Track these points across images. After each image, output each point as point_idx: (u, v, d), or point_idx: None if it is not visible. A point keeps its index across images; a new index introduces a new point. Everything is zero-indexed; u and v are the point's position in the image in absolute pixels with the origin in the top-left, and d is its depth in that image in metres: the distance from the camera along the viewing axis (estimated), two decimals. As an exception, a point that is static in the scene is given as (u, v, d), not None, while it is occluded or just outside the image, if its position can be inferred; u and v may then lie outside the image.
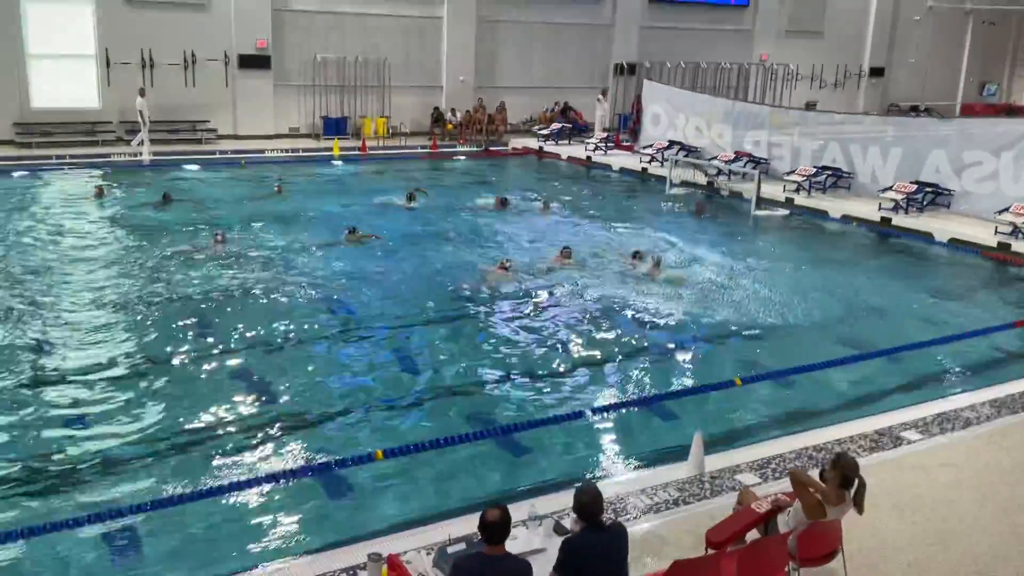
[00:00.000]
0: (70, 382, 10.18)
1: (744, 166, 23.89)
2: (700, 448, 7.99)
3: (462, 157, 28.64)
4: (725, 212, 21.85)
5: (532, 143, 30.04)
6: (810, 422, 9.62)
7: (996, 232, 18.28)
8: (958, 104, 36.15)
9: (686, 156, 25.50)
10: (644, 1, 34.40)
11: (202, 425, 9.21)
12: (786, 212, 21.65)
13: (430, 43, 30.96)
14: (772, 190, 22.46)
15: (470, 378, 10.74)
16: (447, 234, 17.95)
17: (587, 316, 13.11)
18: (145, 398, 9.81)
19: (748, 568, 5.71)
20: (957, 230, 18.90)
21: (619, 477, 8.34)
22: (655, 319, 13.15)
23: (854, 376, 11.01)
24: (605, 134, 29.48)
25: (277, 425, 9.23)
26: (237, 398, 9.92)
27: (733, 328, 12.91)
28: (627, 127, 32.13)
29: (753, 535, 6.27)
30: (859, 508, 6.09)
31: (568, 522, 6.02)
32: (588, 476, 8.33)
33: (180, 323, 12.22)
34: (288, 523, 7.52)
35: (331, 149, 27.03)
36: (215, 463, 8.42)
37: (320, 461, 8.35)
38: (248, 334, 11.83)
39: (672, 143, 26.73)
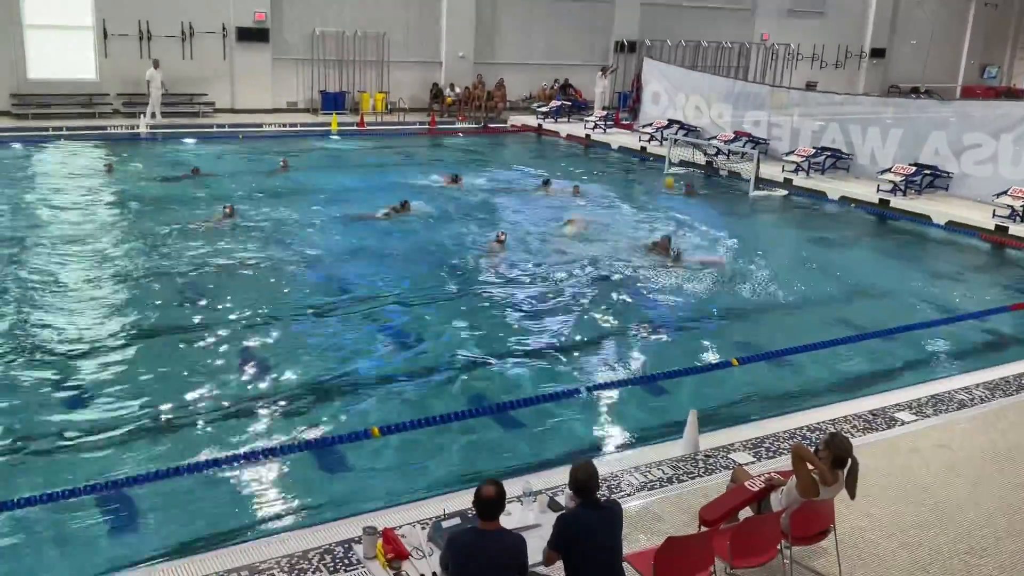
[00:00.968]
0: (73, 354, 10.20)
1: (743, 146, 23.83)
2: (695, 426, 8.02)
3: (460, 134, 28.53)
4: (723, 192, 21.81)
5: (531, 120, 29.93)
6: (804, 402, 9.66)
7: (994, 215, 18.27)
8: (959, 86, 36.05)
9: (685, 135, 25.44)
10: (645, -22, 34.20)
11: (200, 398, 9.22)
12: (784, 193, 21.62)
13: (429, 18, 30.73)
14: (771, 171, 22.42)
15: (466, 355, 10.75)
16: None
17: (585, 294, 13.11)
18: (144, 370, 9.83)
19: (741, 545, 5.76)
20: (955, 213, 18.89)
21: (614, 454, 8.38)
22: (653, 298, 13.17)
23: (849, 357, 11.05)
24: (604, 112, 29.37)
25: (275, 400, 9.26)
26: (236, 372, 9.95)
27: (729, 307, 12.94)
28: (627, 105, 32.00)
29: (746, 513, 6.32)
30: (851, 492, 6.10)
31: (563, 499, 6.06)
32: (583, 453, 8.36)
33: (182, 296, 12.29)
34: (285, 497, 7.57)
35: (329, 124, 26.91)
36: (212, 436, 8.45)
37: (317, 437, 8.40)
38: (249, 308, 11.84)
39: (672, 122, 26.64)
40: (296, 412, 9.05)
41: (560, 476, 6.96)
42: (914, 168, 20.55)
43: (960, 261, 16.80)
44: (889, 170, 20.83)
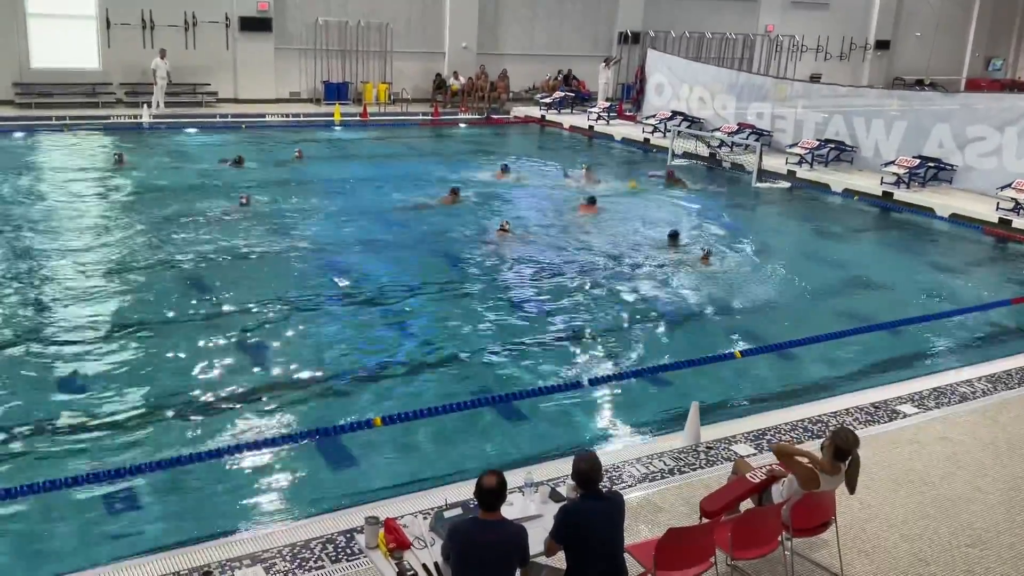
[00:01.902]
0: (80, 342, 10.22)
1: (747, 138, 23.79)
2: (696, 418, 8.03)
3: (463, 125, 28.47)
4: (726, 184, 21.77)
5: (534, 111, 29.86)
6: (806, 395, 9.66)
7: (998, 208, 18.23)
8: (963, 79, 35.93)
9: (689, 127, 25.36)
10: (650, -31, 34.08)
11: (203, 388, 9.24)
12: (788, 185, 21.58)
13: (433, 8, 30.67)
14: (774, 163, 22.38)
15: (469, 346, 10.75)
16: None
17: (588, 285, 13.11)
18: (146, 360, 9.84)
19: (742, 537, 5.76)
20: (959, 205, 18.85)
21: (615, 446, 8.39)
22: (656, 290, 13.16)
23: (852, 349, 11.05)
24: (608, 103, 29.31)
25: (278, 390, 9.27)
26: (240, 362, 9.95)
27: (732, 300, 12.93)
28: (630, 97, 31.93)
29: (747, 505, 6.32)
30: (851, 486, 6.07)
31: (565, 489, 6.06)
32: (585, 445, 8.37)
33: (188, 285, 12.33)
34: (287, 486, 7.59)
35: (332, 114, 26.88)
36: (214, 426, 8.46)
37: (320, 426, 8.40)
38: (257, 298, 11.84)
39: (675, 113, 26.59)
40: (298, 401, 9.07)
41: (562, 467, 6.98)
42: (918, 161, 20.50)
43: (963, 254, 16.77)
44: (893, 162, 20.79)
